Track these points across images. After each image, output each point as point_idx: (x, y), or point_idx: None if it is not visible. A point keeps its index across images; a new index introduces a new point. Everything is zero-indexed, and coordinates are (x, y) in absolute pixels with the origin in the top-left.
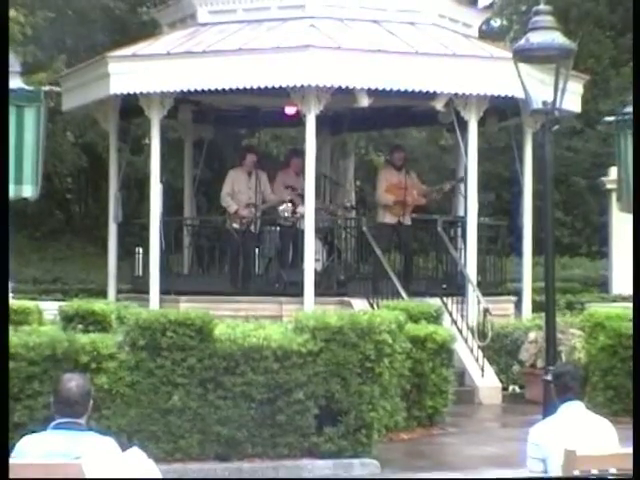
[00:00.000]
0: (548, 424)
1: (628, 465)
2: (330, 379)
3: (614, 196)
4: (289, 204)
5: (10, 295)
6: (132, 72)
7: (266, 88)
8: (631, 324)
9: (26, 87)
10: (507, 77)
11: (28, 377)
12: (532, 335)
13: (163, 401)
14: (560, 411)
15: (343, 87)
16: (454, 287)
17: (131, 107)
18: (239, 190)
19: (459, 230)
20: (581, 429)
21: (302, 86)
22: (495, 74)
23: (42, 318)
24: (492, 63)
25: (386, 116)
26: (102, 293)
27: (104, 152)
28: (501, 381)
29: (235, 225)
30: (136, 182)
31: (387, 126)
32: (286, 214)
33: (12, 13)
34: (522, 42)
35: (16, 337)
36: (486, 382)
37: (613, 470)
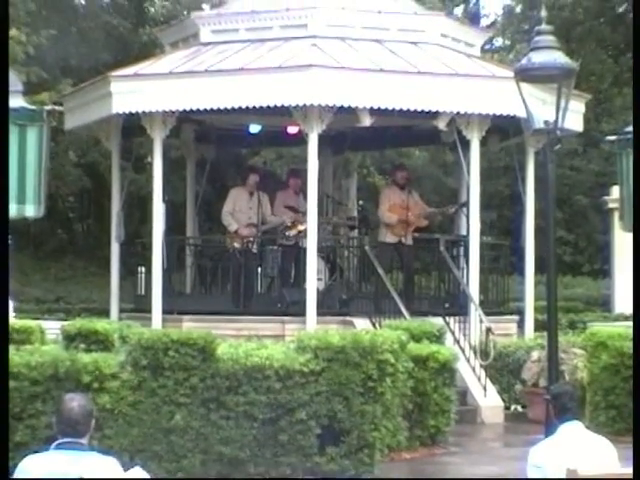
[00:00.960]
0: (547, 445)
1: None
2: (332, 399)
3: (616, 215)
4: (290, 225)
5: (12, 314)
6: (134, 91)
7: (268, 107)
8: (632, 343)
9: (28, 106)
10: (509, 96)
11: (30, 397)
12: (534, 354)
13: (165, 421)
14: (559, 431)
15: (345, 106)
16: (456, 306)
17: (133, 126)
18: (240, 209)
19: (461, 249)
20: (581, 448)
21: (304, 105)
22: (497, 93)
23: (44, 337)
24: (494, 82)
25: (388, 135)
26: (104, 312)
27: (106, 171)
28: (503, 400)
29: (236, 245)
30: (138, 201)
31: (389, 145)
32: (291, 233)
33: (14, 32)
34: (524, 61)
35: (18, 356)
36: (488, 401)
37: None
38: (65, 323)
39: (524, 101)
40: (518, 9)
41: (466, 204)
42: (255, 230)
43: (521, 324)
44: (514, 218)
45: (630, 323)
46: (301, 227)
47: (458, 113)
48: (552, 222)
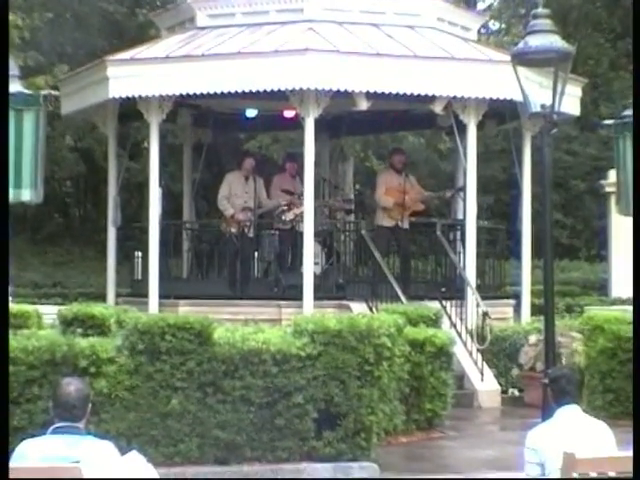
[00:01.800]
0: (545, 428)
1: (627, 467)
2: (329, 382)
3: (613, 199)
4: (285, 208)
5: (9, 299)
6: (131, 76)
7: (265, 91)
8: (630, 327)
9: (25, 91)
10: (506, 80)
11: (27, 381)
12: (531, 338)
13: (162, 405)
14: (557, 415)
15: (342, 90)
16: (453, 290)
17: (130, 111)
18: (235, 194)
19: (458, 233)
20: (578, 432)
21: (301, 89)
22: (494, 77)
23: (41, 322)
24: (491, 66)
25: (385, 119)
26: (101, 297)
27: (103, 156)
28: (500, 384)
29: (232, 229)
30: (135, 186)
31: (386, 130)
32: (288, 217)
33: (11, 17)
34: (520, 45)
35: (15, 341)
36: (485, 385)
37: (612, 473)
38: (62, 308)
39: (521, 85)
40: None
41: (463, 188)
42: (251, 214)
43: (518, 308)
44: (511, 202)
45: (627, 307)
46: (297, 210)
47: (455, 97)
48: (549, 206)
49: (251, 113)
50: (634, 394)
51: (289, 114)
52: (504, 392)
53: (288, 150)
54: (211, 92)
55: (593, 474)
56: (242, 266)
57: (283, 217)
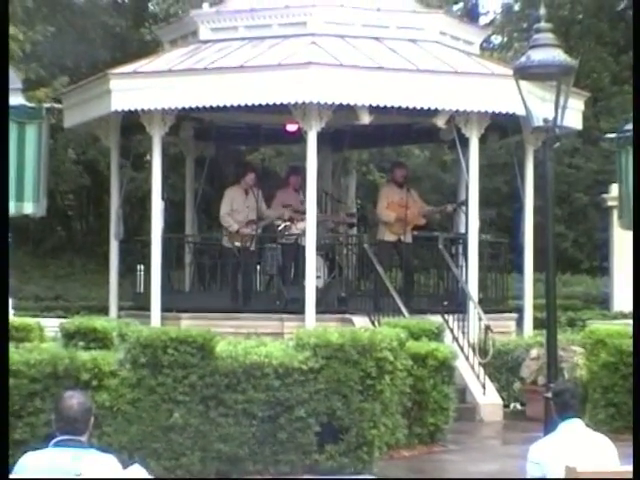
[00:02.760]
0: (548, 442)
1: None
2: (331, 396)
3: (615, 213)
4: (288, 223)
5: (11, 312)
6: (133, 89)
7: (267, 105)
8: (632, 341)
9: (27, 104)
10: (508, 94)
11: (29, 394)
12: (533, 352)
13: (164, 418)
14: (560, 429)
15: (344, 104)
16: (455, 304)
17: (132, 124)
18: (236, 209)
19: (460, 247)
20: (581, 446)
21: (303, 103)
22: (496, 91)
23: (43, 335)
24: (493, 80)
25: (387, 133)
26: (103, 310)
27: (105, 169)
28: (502, 398)
29: (237, 243)
30: (137, 199)
31: (389, 143)
32: (293, 230)
33: (11, 30)
34: (523, 59)
35: (17, 354)
36: (487, 399)
37: None
38: (64, 321)
39: (523, 99)
40: (517, 7)
41: (465, 202)
42: (255, 227)
43: (520, 322)
44: (513, 216)
45: (629, 321)
46: (301, 224)
47: (457, 111)
48: (551, 220)
49: (291, 128)
50: (634, 409)
51: (292, 128)
52: (506, 406)
53: (291, 164)
54: (213, 105)
55: None
56: (244, 279)
57: (291, 230)
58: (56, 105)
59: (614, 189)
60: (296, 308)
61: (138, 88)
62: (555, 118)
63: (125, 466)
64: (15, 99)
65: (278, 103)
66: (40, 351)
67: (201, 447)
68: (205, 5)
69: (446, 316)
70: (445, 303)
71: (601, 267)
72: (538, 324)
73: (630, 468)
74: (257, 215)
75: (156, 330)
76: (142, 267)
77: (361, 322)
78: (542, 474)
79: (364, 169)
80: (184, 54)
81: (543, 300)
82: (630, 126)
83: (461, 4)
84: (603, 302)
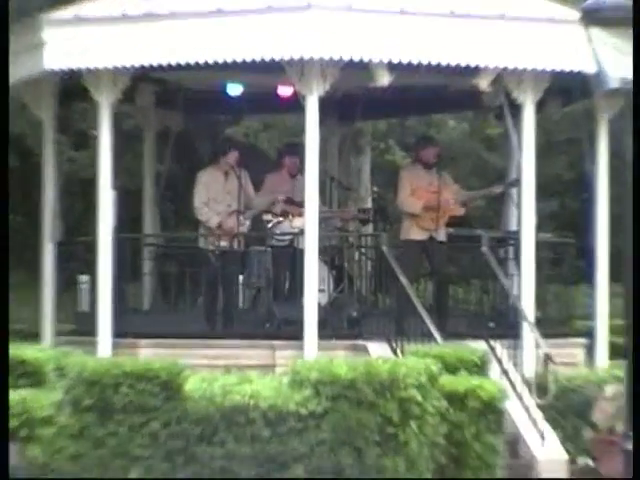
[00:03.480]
0: None
1: None
2: (339, 449)
3: None
4: (281, 219)
5: None
6: (74, 40)
7: (253, 62)
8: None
9: None
10: (574, 46)
11: None
12: (609, 390)
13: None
14: None
15: (355, 60)
16: (504, 326)
17: (73, 88)
18: (214, 198)
19: (511, 250)
20: None
21: (301, 59)
22: (558, 42)
23: None
24: (554, 27)
25: (413, 99)
26: (34, 336)
27: (36, 147)
28: (567, 451)
29: (222, 242)
30: (80, 187)
31: (414, 112)
32: (287, 228)
33: None
34: None
35: None
36: (547, 452)
37: None
38: None
39: (595, 52)
40: None
41: (517, 183)
42: (241, 219)
43: (591, 349)
44: (581, 208)
45: None
46: (296, 221)
47: (506, 69)
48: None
49: (234, 90)
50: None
51: (285, 92)
52: (573, 461)
53: (286, 141)
54: (181, 62)
55: None
56: (223, 294)
57: (285, 228)
58: None
59: None
60: (292, 332)
61: (80, 39)
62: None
63: None
64: None
65: (267, 59)
66: None
67: None
68: None
69: (492, 342)
70: (491, 325)
71: None
72: (616, 352)
73: None
74: (242, 203)
75: (106, 362)
76: (86, 278)
77: (379, 350)
78: None
79: (382, 146)
80: None
81: (621, 320)
82: None
83: None
84: None
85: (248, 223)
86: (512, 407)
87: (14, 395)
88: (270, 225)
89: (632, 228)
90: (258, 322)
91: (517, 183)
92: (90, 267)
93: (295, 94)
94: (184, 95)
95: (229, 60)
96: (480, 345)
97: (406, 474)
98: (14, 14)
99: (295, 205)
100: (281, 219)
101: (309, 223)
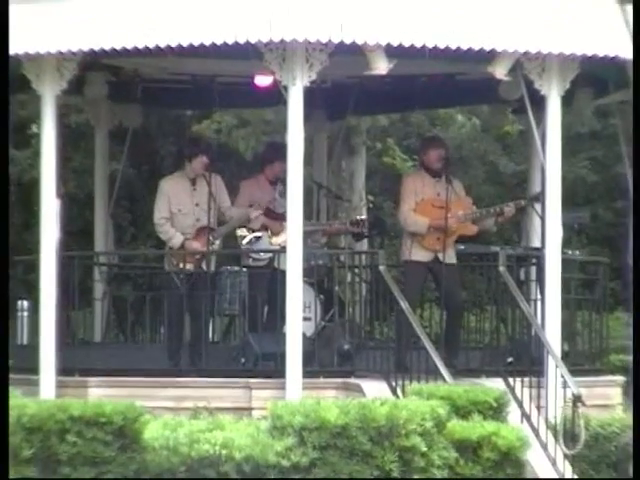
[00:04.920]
0: None
1: None
2: None
3: None
4: (259, 234)
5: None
6: (11, 20)
7: (225, 45)
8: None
9: None
10: (608, 27)
11: None
12: None
13: None
14: None
15: (347, 43)
16: (526, 361)
17: (11, 76)
18: (179, 210)
19: (533, 270)
20: None
21: (282, 41)
22: (589, 22)
23: None
24: (584, 5)
25: (416, 90)
26: None
27: None
28: None
29: (189, 266)
30: (19, 193)
31: (417, 106)
32: (278, 241)
33: None
34: None
35: None
36: None
37: None
38: None
39: (631, 34)
40: None
41: (540, 197)
42: (212, 238)
43: (629, 389)
44: (617, 220)
45: None
46: (277, 238)
47: (527, 53)
48: None
49: (263, 81)
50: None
51: (264, 81)
52: None
53: (267, 141)
54: (139, 46)
55: None
56: (191, 323)
57: (261, 244)
58: None
59: None
60: (272, 369)
61: (18, 20)
62: None
63: None
64: None
65: (242, 42)
66: None
67: None
68: None
69: (511, 380)
70: (509, 360)
71: None
72: None
73: None
74: (214, 217)
75: (49, 405)
76: (26, 304)
77: (375, 390)
78: None
79: (379, 146)
80: None
81: None
82: None
83: None
84: None
85: (218, 242)
86: (535, 458)
87: None
88: (246, 241)
89: None
90: (231, 357)
91: (538, 197)
92: (31, 291)
93: (275, 84)
94: (142, 86)
95: (196, 44)
96: (497, 384)
97: None
98: None
99: (277, 219)
100: (258, 234)
101: (292, 238)
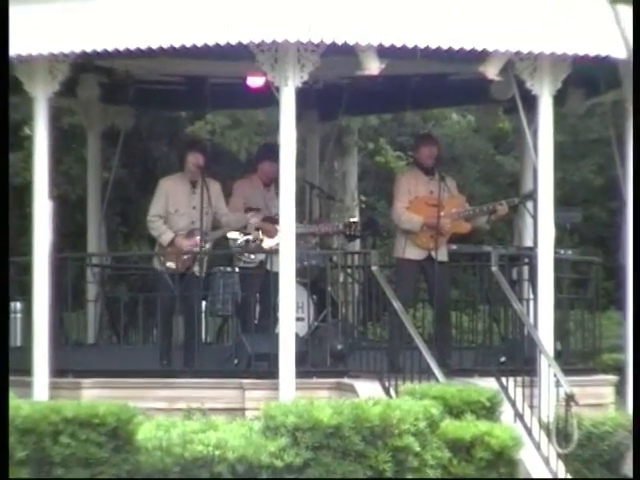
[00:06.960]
0: None
1: None
2: None
3: None
4: (250, 236)
5: None
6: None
7: (218, 46)
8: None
9: None
10: (599, 27)
11: None
12: None
13: None
14: None
15: (339, 44)
16: (519, 361)
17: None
18: (177, 210)
19: (526, 270)
20: None
21: (274, 42)
22: (581, 22)
23: None
24: (575, 4)
25: (407, 91)
26: None
27: None
28: None
29: (170, 264)
30: (11, 195)
31: (409, 106)
32: (270, 244)
33: None
34: None
35: None
36: None
37: None
38: None
39: (623, 33)
40: None
41: (533, 196)
42: (204, 239)
43: (622, 388)
44: (610, 220)
45: None
46: (270, 240)
47: (518, 53)
48: None
49: (255, 82)
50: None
51: (256, 82)
52: None
53: (263, 142)
54: (131, 47)
55: None
56: (183, 324)
57: (259, 244)
58: None
59: None
60: (265, 369)
61: (10, 21)
62: None
63: None
64: None
65: (234, 43)
66: None
67: None
68: None
69: (504, 380)
70: (502, 359)
71: None
72: None
73: None
74: (209, 221)
75: (42, 407)
76: (19, 306)
77: (369, 390)
78: None
79: (371, 146)
80: None
81: None
82: None
83: None
84: None
85: (209, 245)
86: (528, 457)
87: None
88: (239, 242)
89: None
90: (224, 358)
91: (531, 196)
92: (24, 293)
93: (267, 85)
94: (135, 87)
95: (188, 45)
96: (489, 383)
97: None
98: None
99: (275, 222)
100: (250, 237)
101: (284, 239)
